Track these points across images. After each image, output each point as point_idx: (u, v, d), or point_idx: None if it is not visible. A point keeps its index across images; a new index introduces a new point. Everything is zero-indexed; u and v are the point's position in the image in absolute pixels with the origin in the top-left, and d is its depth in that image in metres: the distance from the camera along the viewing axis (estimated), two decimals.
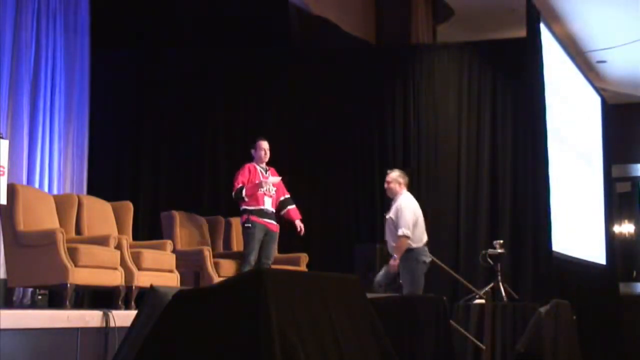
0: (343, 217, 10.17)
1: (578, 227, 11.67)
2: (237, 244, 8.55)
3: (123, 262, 6.77)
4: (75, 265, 6.28)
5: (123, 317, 5.08)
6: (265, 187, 7.79)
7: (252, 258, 7.71)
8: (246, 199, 7.72)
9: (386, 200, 8.24)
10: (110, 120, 9.99)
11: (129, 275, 6.75)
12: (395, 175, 7.78)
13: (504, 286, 8.53)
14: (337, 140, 10.21)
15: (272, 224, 7.88)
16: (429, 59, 10.44)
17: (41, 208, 6.79)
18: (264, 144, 7.94)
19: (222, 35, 10.22)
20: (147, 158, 10.10)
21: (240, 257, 7.94)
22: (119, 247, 6.79)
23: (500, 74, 10.13)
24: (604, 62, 13.06)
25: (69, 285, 6.20)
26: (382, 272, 7.67)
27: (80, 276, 6.30)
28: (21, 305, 7.44)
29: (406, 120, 10.25)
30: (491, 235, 9.48)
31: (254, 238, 7.73)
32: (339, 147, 10.20)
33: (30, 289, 7.53)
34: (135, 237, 7.74)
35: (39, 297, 7.55)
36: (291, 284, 3.17)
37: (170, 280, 7.16)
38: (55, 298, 7.44)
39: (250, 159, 8.01)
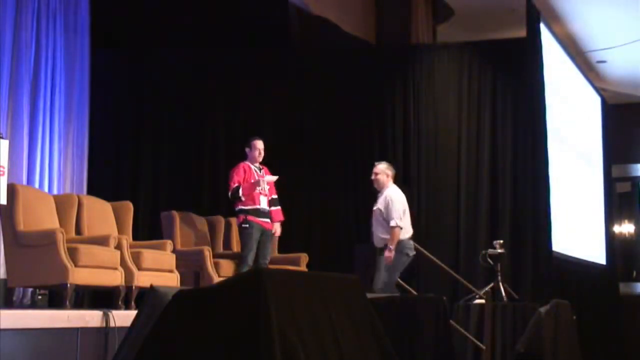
0: (343, 217, 10.17)
1: (578, 227, 11.67)
2: (237, 244, 8.55)
3: (123, 262, 6.76)
4: (75, 265, 6.28)
5: (123, 317, 5.08)
6: (262, 185, 7.77)
7: (250, 258, 7.70)
8: (243, 199, 7.70)
9: None
10: (110, 120, 9.99)
11: (129, 275, 6.74)
12: (383, 167, 7.83)
13: (504, 286, 8.53)
14: (337, 140, 10.21)
15: (268, 223, 7.86)
16: (429, 59, 10.44)
17: (41, 208, 6.79)
18: (259, 144, 7.90)
19: (222, 35, 10.21)
20: (147, 158, 10.10)
21: (239, 258, 7.93)
22: (119, 247, 6.78)
23: (500, 74, 10.13)
24: (604, 62, 13.06)
25: (69, 285, 6.20)
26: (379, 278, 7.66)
27: (80, 276, 6.30)
28: (21, 305, 7.43)
29: (406, 120, 10.25)
30: (491, 235, 9.49)
31: (251, 238, 7.71)
32: (339, 147, 10.20)
33: (30, 289, 7.53)
34: (135, 237, 7.74)
35: (39, 297, 7.55)
36: (291, 284, 3.17)
37: (170, 280, 7.16)
38: (55, 298, 7.44)
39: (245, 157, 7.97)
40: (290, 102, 10.31)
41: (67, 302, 6.12)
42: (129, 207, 7.67)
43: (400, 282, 7.96)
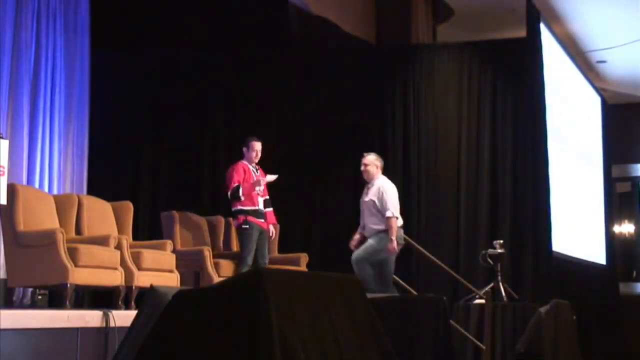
0: (343, 217, 10.16)
1: (578, 227, 11.67)
2: (236, 244, 8.54)
3: (123, 262, 6.76)
4: (75, 265, 6.28)
5: (123, 317, 5.07)
6: (262, 185, 7.77)
7: (250, 259, 7.69)
8: (242, 198, 7.69)
9: None
10: (110, 120, 9.99)
11: (129, 275, 6.74)
12: (372, 159, 7.80)
13: (504, 286, 8.54)
14: (337, 140, 10.20)
15: (264, 223, 7.87)
16: (429, 59, 10.44)
17: (41, 208, 6.79)
18: (258, 145, 7.87)
19: (222, 35, 10.21)
20: (147, 158, 10.10)
21: (239, 258, 7.92)
22: (119, 247, 6.78)
23: (500, 74, 10.13)
24: (604, 62, 13.07)
25: (69, 285, 6.20)
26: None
27: (80, 276, 6.30)
28: (21, 305, 7.43)
29: (406, 120, 10.25)
30: (491, 235, 9.48)
31: (252, 239, 7.70)
32: (338, 147, 10.20)
33: (30, 289, 7.53)
34: (135, 237, 7.74)
35: (39, 297, 7.55)
36: (291, 284, 3.17)
37: (170, 280, 7.16)
38: (55, 298, 7.44)
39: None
40: (290, 102, 10.31)
41: (67, 302, 6.12)
42: (129, 207, 7.67)
43: (400, 282, 7.96)
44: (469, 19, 11.62)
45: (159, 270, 7.10)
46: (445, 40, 11.42)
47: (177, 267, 7.38)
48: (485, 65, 10.21)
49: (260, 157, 7.90)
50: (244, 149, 7.90)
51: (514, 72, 9.97)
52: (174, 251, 7.51)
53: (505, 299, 8.41)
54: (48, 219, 6.79)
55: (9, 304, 6.67)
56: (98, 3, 9.16)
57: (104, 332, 5.05)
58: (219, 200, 9.64)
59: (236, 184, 7.68)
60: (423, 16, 11.10)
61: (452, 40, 11.10)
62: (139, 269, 6.85)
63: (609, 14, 11.30)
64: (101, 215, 7.40)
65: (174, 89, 10.18)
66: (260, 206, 7.80)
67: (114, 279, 6.62)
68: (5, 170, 6.23)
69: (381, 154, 10.10)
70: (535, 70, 9.67)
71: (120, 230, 7.41)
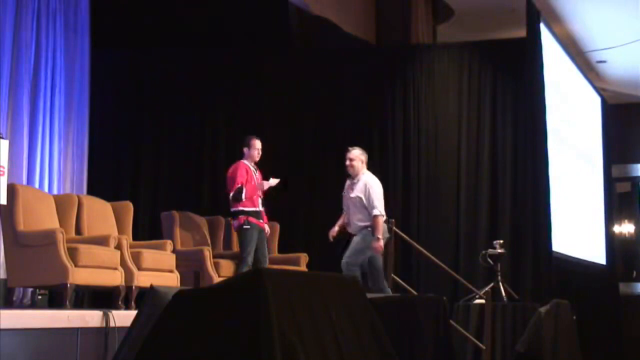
0: None
1: (578, 227, 11.67)
2: (237, 244, 8.54)
3: (123, 262, 6.76)
4: (75, 265, 6.28)
5: (123, 317, 5.07)
6: (265, 188, 7.77)
7: (251, 259, 7.69)
8: (244, 200, 7.68)
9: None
10: (110, 120, 10.00)
11: (129, 275, 6.74)
12: (357, 153, 7.73)
13: (504, 286, 8.54)
14: (337, 140, 10.20)
15: (263, 223, 7.87)
16: (429, 59, 10.44)
17: (41, 208, 6.79)
18: (258, 143, 7.86)
19: (222, 35, 10.21)
20: (147, 158, 10.10)
21: (239, 258, 7.91)
22: (119, 247, 6.78)
23: (500, 74, 10.13)
24: (604, 62, 13.07)
25: (69, 285, 6.20)
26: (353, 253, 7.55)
27: (80, 276, 6.30)
28: (21, 305, 7.43)
29: (406, 120, 10.25)
30: (491, 235, 9.49)
31: (252, 239, 7.70)
32: (338, 146, 10.18)
33: (30, 289, 7.52)
34: (135, 237, 7.73)
35: (39, 297, 7.55)
36: (291, 284, 3.17)
37: (170, 280, 7.16)
38: (55, 298, 7.43)
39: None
40: (290, 101, 10.31)
41: (67, 302, 6.12)
42: (129, 207, 7.67)
43: (400, 282, 7.96)
44: (469, 19, 11.62)
45: (159, 270, 7.10)
46: (445, 40, 11.42)
47: (177, 267, 7.37)
48: (485, 65, 10.21)
49: (260, 157, 7.90)
50: (245, 149, 7.89)
51: (514, 72, 9.97)
52: (174, 251, 7.51)
53: (505, 299, 8.41)
54: (48, 219, 6.78)
55: (9, 304, 6.66)
56: (98, 3, 9.16)
57: (104, 332, 5.05)
58: (219, 200, 9.64)
59: (239, 185, 7.67)
60: (423, 16, 11.10)
61: (452, 40, 11.10)
62: (139, 269, 6.85)
63: (609, 14, 11.30)
64: (101, 215, 7.40)
65: (174, 89, 10.18)
66: (259, 207, 7.81)
67: (114, 279, 6.62)
68: (5, 170, 6.23)
69: (381, 154, 10.16)
70: (535, 70, 9.67)
71: (120, 230, 7.41)
